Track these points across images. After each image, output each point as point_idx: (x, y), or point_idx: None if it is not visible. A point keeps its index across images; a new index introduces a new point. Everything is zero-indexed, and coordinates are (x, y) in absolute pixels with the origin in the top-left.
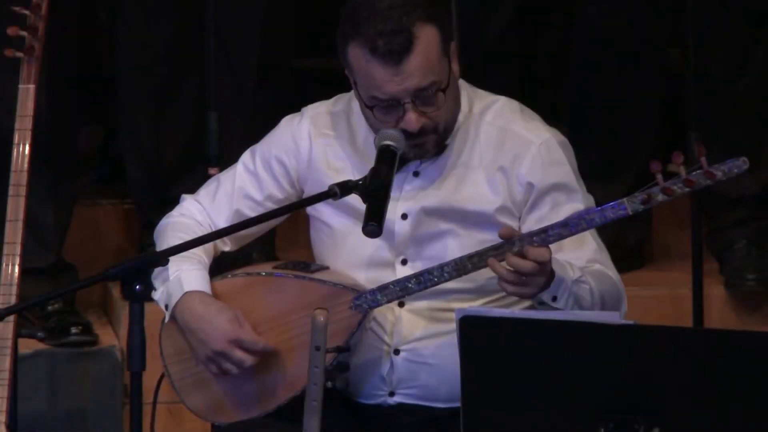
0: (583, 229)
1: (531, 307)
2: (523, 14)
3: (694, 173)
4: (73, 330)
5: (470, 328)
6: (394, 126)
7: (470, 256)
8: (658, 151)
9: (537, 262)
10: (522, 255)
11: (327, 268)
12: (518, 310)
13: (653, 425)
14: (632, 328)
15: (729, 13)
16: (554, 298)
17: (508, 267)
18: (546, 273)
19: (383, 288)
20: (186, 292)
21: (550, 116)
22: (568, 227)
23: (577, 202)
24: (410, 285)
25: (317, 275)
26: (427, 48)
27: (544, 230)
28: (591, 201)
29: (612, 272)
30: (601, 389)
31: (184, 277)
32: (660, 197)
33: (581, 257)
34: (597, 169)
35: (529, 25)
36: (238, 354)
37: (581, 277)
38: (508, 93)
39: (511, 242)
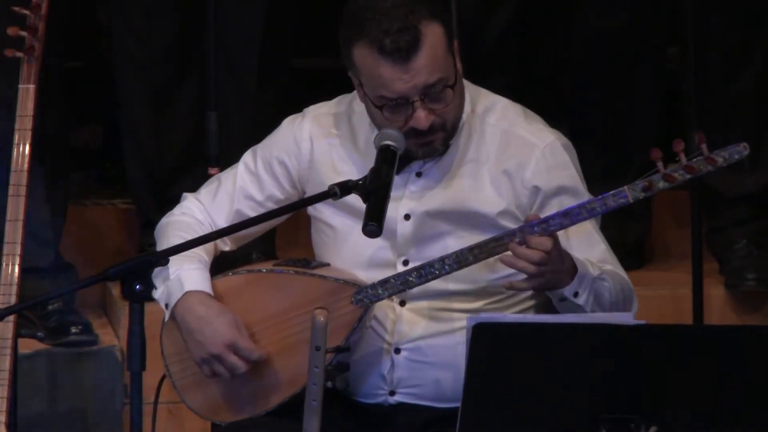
0: (584, 218)
1: (539, 311)
2: (522, 15)
3: (695, 159)
4: (73, 330)
5: (483, 335)
6: (403, 125)
7: (471, 248)
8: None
9: (539, 250)
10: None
11: (327, 264)
12: (529, 314)
13: (652, 424)
14: (645, 328)
15: (728, 13)
16: (576, 294)
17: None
18: (551, 262)
19: (384, 282)
20: (186, 292)
21: (550, 116)
22: (569, 216)
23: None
24: (411, 278)
25: (318, 271)
26: (434, 45)
27: (545, 220)
28: None
29: (622, 272)
30: (606, 390)
31: (185, 276)
32: (661, 184)
33: (591, 258)
34: (597, 169)
35: (529, 25)
36: (233, 359)
37: (601, 275)
38: (508, 93)
39: (511, 233)
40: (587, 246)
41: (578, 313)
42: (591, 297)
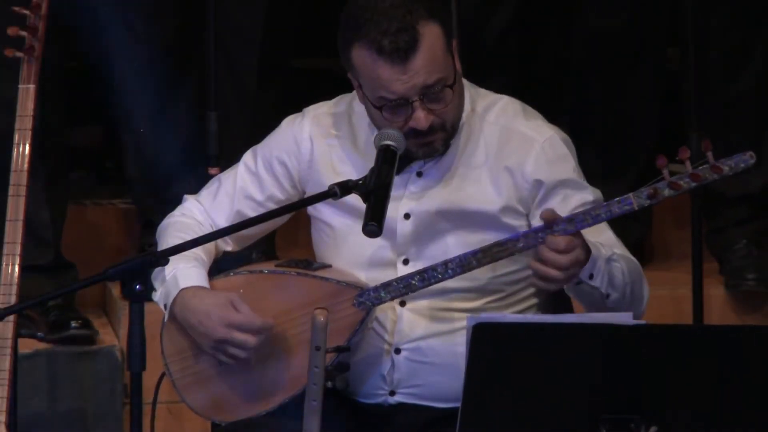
0: (589, 225)
1: (539, 311)
2: (523, 15)
3: (700, 168)
4: (74, 324)
5: (483, 335)
6: (402, 125)
7: (474, 253)
8: (657, 150)
9: (567, 252)
10: (556, 250)
11: (329, 266)
12: (529, 314)
13: (652, 424)
14: (645, 328)
15: (728, 13)
16: (591, 276)
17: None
18: (580, 263)
19: (386, 285)
20: (182, 289)
21: (550, 116)
22: (574, 223)
23: (585, 194)
24: (414, 282)
25: (320, 273)
26: (432, 45)
27: (549, 226)
28: (599, 193)
29: (630, 255)
30: (606, 390)
31: (180, 275)
32: (666, 192)
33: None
34: (597, 169)
35: (529, 25)
36: (239, 336)
37: (612, 256)
38: (509, 93)
39: (515, 238)
40: (594, 233)
41: (578, 313)
42: (605, 278)
